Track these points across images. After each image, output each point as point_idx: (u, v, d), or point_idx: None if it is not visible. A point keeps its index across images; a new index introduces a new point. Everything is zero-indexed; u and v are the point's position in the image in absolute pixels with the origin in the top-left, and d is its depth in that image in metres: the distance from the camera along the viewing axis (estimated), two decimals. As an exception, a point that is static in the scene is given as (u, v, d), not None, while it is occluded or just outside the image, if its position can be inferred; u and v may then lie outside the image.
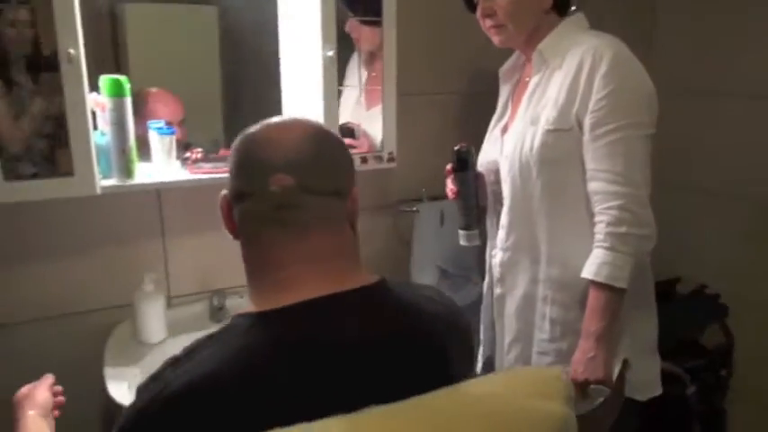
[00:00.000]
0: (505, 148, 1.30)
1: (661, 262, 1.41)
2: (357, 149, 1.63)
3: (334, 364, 0.67)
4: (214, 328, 0.72)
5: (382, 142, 1.59)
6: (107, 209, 1.39)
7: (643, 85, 1.19)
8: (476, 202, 1.38)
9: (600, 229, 1.17)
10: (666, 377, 1.36)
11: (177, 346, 0.74)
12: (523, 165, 1.25)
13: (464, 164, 1.35)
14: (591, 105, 1.17)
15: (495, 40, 1.30)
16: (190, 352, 0.69)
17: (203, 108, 1.63)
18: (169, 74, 1.56)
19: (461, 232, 1.39)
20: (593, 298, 1.18)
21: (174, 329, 1.45)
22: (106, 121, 1.32)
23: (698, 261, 2.07)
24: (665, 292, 1.99)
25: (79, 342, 1.40)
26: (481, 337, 1.49)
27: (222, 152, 1.59)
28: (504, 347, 1.38)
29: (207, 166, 1.49)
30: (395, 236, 1.77)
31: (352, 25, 1.55)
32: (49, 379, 1.01)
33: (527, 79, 1.32)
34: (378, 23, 1.53)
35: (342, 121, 1.60)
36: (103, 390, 1.23)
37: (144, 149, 1.41)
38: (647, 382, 1.32)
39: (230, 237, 0.80)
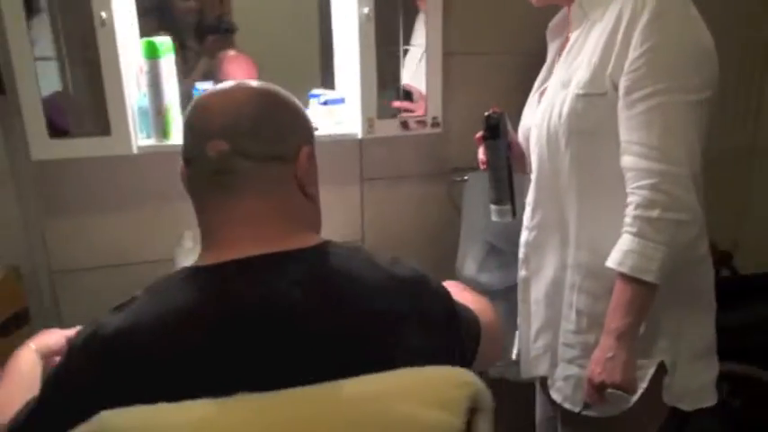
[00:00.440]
0: (537, 114, 1.16)
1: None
2: (413, 113, 1.56)
3: (253, 324, 0.66)
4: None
5: (426, 106, 1.50)
6: (146, 168, 1.45)
7: (693, 40, 0.98)
8: (507, 173, 1.25)
9: (629, 212, 1.00)
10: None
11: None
12: (551, 134, 1.10)
13: (494, 131, 1.22)
14: (627, 65, 0.99)
15: None
16: (131, 299, 0.72)
17: (301, 72, 1.68)
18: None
19: (492, 207, 1.28)
20: (618, 291, 1.02)
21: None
22: (144, 83, 1.37)
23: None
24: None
25: (124, 293, 1.49)
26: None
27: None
28: (531, 335, 1.25)
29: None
30: (448, 204, 1.67)
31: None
32: (73, 330, 1.02)
33: (569, 36, 1.15)
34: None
35: (405, 82, 1.55)
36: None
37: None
38: (693, 390, 1.14)
39: None
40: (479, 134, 1.24)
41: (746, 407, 1.54)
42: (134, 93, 1.37)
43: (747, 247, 1.98)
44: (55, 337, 0.97)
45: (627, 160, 1.01)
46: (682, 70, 0.97)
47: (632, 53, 0.98)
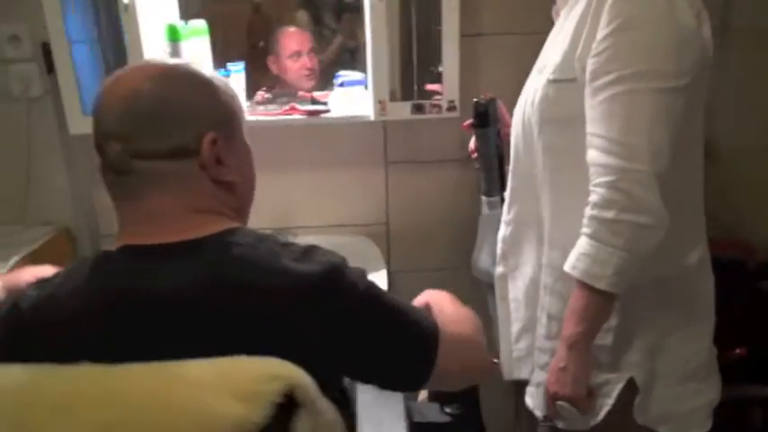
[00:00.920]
0: (519, 101, 1.08)
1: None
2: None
3: (126, 306, 0.68)
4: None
5: (443, 89, 1.44)
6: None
7: (669, 17, 0.85)
8: (498, 163, 1.18)
9: (586, 212, 0.91)
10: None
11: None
12: (526, 123, 1.02)
13: (483, 119, 1.16)
14: (593, 47, 0.89)
15: None
16: (54, 275, 0.76)
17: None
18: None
19: (483, 198, 1.21)
20: (573, 296, 0.94)
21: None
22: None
23: None
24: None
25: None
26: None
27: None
28: (513, 335, 1.18)
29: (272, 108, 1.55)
30: (467, 190, 1.61)
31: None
32: (48, 269, 0.93)
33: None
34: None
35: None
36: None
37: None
38: (679, 415, 1.01)
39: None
40: (468, 122, 1.18)
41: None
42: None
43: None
44: (26, 275, 0.94)
45: (590, 155, 0.91)
46: (654, 53, 0.86)
47: (599, 33, 0.88)
